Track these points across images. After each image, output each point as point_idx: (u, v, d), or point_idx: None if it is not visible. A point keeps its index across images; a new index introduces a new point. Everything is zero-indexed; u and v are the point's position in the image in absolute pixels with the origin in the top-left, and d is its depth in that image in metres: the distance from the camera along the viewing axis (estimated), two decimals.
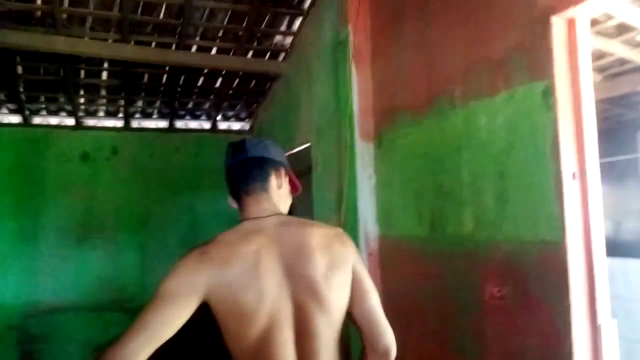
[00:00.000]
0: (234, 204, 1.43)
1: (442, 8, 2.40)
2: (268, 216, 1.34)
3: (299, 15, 3.91)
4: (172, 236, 4.98)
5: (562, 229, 1.76)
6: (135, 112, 5.16)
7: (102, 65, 4.30)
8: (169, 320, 1.14)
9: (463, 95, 2.26)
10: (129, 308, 4.66)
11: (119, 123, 5.13)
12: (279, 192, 1.42)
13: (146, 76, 4.55)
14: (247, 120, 5.60)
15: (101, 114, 5.08)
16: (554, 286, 1.79)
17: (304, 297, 1.25)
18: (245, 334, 1.20)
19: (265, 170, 1.40)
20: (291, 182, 1.51)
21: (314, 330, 1.24)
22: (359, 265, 1.37)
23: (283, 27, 4.12)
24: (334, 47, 3.29)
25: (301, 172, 4.04)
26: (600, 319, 1.78)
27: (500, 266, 2.05)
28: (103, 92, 4.77)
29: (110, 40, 3.86)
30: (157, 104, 5.09)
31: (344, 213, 3.10)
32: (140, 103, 5.03)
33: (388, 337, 1.34)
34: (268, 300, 1.21)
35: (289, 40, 4.23)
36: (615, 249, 4.47)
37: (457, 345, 2.25)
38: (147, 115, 5.25)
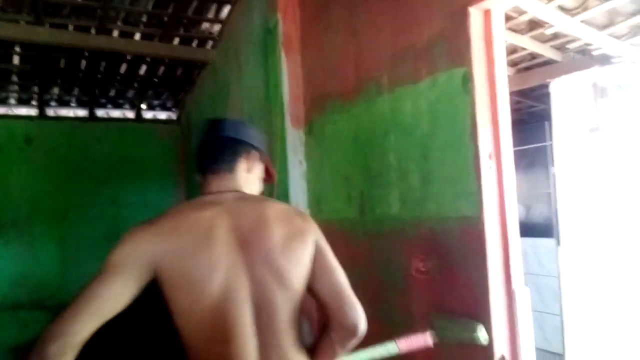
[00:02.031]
0: (199, 179, 1.39)
1: None
2: (227, 191, 1.31)
3: (228, 2, 3.86)
4: (95, 230, 4.75)
5: (479, 204, 1.91)
6: (50, 100, 4.85)
7: (14, 48, 4.00)
8: (115, 294, 1.08)
9: (389, 81, 2.36)
10: (48, 306, 4.41)
11: (33, 111, 4.80)
12: (246, 176, 1.39)
13: (63, 61, 4.29)
14: (174, 109, 5.45)
15: (12, 101, 4.73)
16: (473, 257, 1.94)
17: (260, 269, 1.21)
18: (196, 307, 1.14)
19: (236, 152, 1.37)
20: (267, 170, 1.50)
21: (273, 306, 1.20)
22: (323, 242, 1.37)
23: (211, 15, 4.04)
24: (263, 35, 3.29)
25: None
26: (514, 286, 1.95)
27: (424, 242, 2.18)
28: (15, 78, 4.44)
29: (22, 22, 3.60)
30: (76, 91, 4.82)
31: (276, 199, 3.13)
32: (56, 90, 4.74)
33: (357, 312, 1.34)
34: (220, 271, 1.16)
35: (217, 28, 4.17)
36: (527, 229, 4.87)
37: (386, 319, 2.37)
38: (64, 103, 4.96)
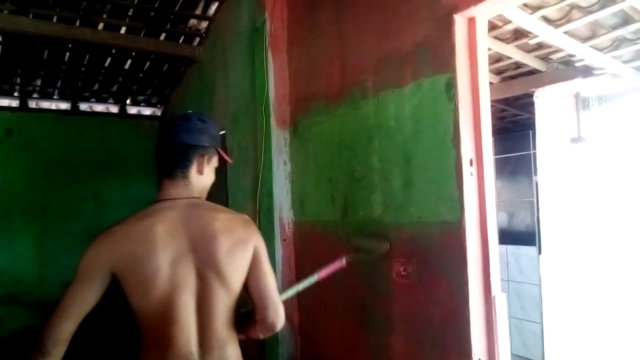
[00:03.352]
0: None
1: (356, 1, 2.50)
2: (182, 198, 1.47)
3: (215, 0, 3.84)
4: (74, 225, 4.67)
5: (460, 210, 1.92)
6: (32, 92, 4.77)
7: None
8: (83, 298, 1.33)
9: (374, 85, 2.37)
10: (26, 301, 4.33)
11: (14, 103, 4.71)
12: (199, 177, 1.52)
13: (46, 53, 4.22)
14: (159, 105, 5.40)
15: None
16: (453, 263, 1.95)
17: (206, 270, 1.42)
18: (148, 297, 1.36)
19: (188, 158, 1.49)
20: (221, 157, 1.61)
21: (213, 299, 1.43)
22: (261, 247, 1.54)
23: (198, 11, 4.02)
24: (250, 34, 3.28)
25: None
26: (493, 291, 1.97)
27: (405, 246, 2.19)
28: None
29: (5, 11, 3.54)
30: (58, 83, 4.74)
31: (259, 199, 3.12)
32: (38, 82, 4.66)
33: (277, 312, 1.54)
34: (168, 269, 1.37)
35: (204, 25, 4.14)
36: (510, 237, 4.92)
37: (366, 323, 2.37)
38: (46, 96, 4.87)
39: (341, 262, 2.21)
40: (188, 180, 1.49)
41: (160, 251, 1.37)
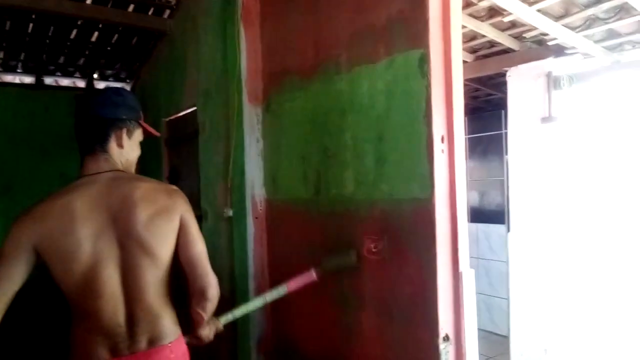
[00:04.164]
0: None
1: None
2: (104, 172, 1.46)
3: None
4: None
5: (431, 186, 1.92)
6: None
7: None
8: (8, 277, 1.34)
9: (348, 61, 2.33)
10: None
11: None
12: (120, 151, 1.52)
13: (8, 24, 4.03)
14: (128, 80, 5.25)
15: None
16: (422, 239, 1.96)
17: (128, 241, 1.42)
18: (70, 271, 1.37)
19: (105, 132, 1.49)
20: (145, 130, 1.61)
21: (139, 270, 1.43)
22: (188, 216, 1.53)
23: None
24: (222, 7, 3.18)
25: (187, 136, 3.91)
26: (461, 268, 1.99)
27: (377, 223, 2.19)
28: None
29: None
30: (22, 56, 4.55)
31: (231, 177, 3.07)
32: (1, 54, 4.46)
33: (206, 279, 1.54)
34: (89, 243, 1.38)
35: None
36: (481, 216, 5.01)
37: (338, 299, 2.38)
38: (9, 69, 4.68)
39: (311, 275, 2.21)
40: (108, 154, 1.49)
41: (80, 226, 1.37)
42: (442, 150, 1.95)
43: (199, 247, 1.55)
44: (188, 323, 1.61)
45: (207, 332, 1.65)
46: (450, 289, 1.98)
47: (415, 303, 2.02)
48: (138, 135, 1.59)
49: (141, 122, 1.60)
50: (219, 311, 1.73)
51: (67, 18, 3.98)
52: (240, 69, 2.94)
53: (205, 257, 1.56)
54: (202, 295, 1.54)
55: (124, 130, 1.52)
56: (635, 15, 2.70)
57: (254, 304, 2.14)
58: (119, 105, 1.52)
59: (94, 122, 1.48)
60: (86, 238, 1.38)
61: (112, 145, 1.50)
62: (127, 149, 1.54)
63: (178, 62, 4.02)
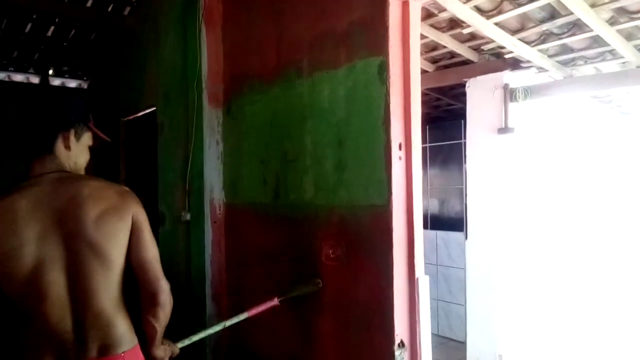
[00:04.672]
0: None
1: None
2: (50, 172, 1.41)
3: None
4: None
5: (388, 193, 1.93)
6: None
7: None
8: None
9: (309, 66, 2.33)
10: None
11: None
12: (67, 153, 1.47)
13: None
14: (85, 78, 5.08)
15: None
16: (380, 245, 1.97)
17: (75, 241, 1.35)
18: (12, 275, 1.31)
19: (52, 133, 1.44)
20: (96, 136, 1.57)
21: (87, 272, 1.37)
22: (141, 217, 1.48)
23: None
24: (184, 6, 3.12)
25: (146, 137, 3.80)
26: (417, 274, 2.01)
27: (335, 229, 2.18)
28: None
29: None
30: None
31: (190, 180, 3.01)
32: None
33: (158, 283, 1.49)
34: (31, 245, 1.32)
35: None
36: (440, 223, 5.09)
37: (296, 304, 2.35)
38: None
39: (273, 302, 2.20)
40: (54, 156, 1.44)
41: (23, 226, 1.32)
42: (400, 157, 1.97)
43: (151, 250, 1.49)
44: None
45: (162, 353, 1.58)
46: (406, 295, 2.00)
47: (371, 309, 2.03)
48: (87, 139, 1.54)
49: (91, 125, 1.55)
50: (175, 319, 1.67)
51: (22, 10, 3.81)
52: (201, 70, 2.90)
53: (157, 261, 1.50)
54: (153, 300, 1.48)
55: (72, 132, 1.48)
56: (587, 32, 2.82)
57: (213, 329, 2.09)
58: (66, 106, 1.48)
59: (41, 122, 1.44)
60: (29, 239, 1.32)
61: (59, 146, 1.45)
62: (75, 152, 1.49)
63: (138, 60, 3.92)
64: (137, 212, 1.47)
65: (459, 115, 4.83)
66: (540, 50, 3.12)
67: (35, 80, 4.85)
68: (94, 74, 4.96)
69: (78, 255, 1.36)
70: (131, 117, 4.09)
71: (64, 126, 1.46)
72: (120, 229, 1.42)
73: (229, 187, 2.92)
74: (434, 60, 3.68)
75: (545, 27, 2.84)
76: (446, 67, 3.71)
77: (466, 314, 3.57)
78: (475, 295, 3.50)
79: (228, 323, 2.12)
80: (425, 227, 2.13)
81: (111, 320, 1.41)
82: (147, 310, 1.50)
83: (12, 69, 4.72)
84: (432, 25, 2.99)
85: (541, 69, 3.39)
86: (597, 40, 3.02)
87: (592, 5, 2.54)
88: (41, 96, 1.47)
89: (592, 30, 2.75)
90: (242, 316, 2.13)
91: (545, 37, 2.99)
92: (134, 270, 1.48)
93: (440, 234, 5.13)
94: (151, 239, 1.50)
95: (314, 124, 2.31)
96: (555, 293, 3.84)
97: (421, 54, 3.14)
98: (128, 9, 4.03)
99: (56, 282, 1.34)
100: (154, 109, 3.62)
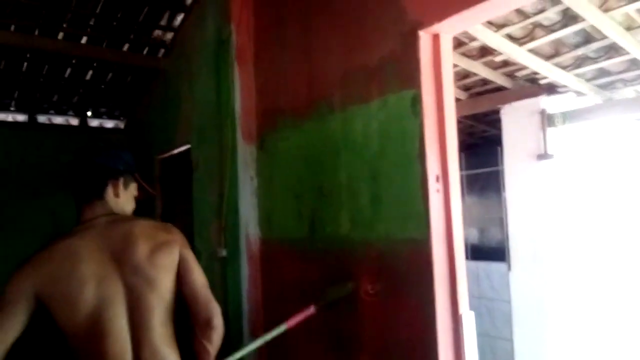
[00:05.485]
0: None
1: (322, 15, 2.47)
2: (100, 216, 1.51)
3: (181, 11, 3.77)
4: (33, 243, 4.32)
5: (427, 226, 1.88)
6: None
7: None
8: (8, 324, 1.34)
9: (341, 100, 2.33)
10: None
11: None
12: (116, 201, 1.57)
13: (3, 63, 4.05)
14: (122, 118, 5.25)
15: None
16: (420, 280, 1.91)
17: (132, 277, 1.44)
18: (75, 314, 1.37)
19: (103, 181, 1.55)
20: (141, 187, 1.68)
21: (145, 306, 1.44)
22: (186, 250, 1.59)
23: (163, 22, 3.93)
24: (216, 46, 3.21)
25: (180, 175, 3.87)
26: (460, 309, 1.93)
27: (373, 264, 2.14)
28: None
29: None
30: (16, 95, 4.55)
31: (225, 216, 3.03)
32: None
33: (209, 309, 1.55)
34: (92, 284, 1.39)
35: (169, 36, 4.05)
36: (481, 253, 4.93)
37: (335, 344, 2.30)
38: (2, 107, 4.67)
39: (310, 311, 2.16)
40: (105, 201, 1.54)
41: (83, 267, 1.39)
42: (437, 190, 1.93)
43: (200, 277, 1.59)
44: None
45: None
46: (450, 332, 1.92)
47: (414, 347, 1.95)
48: (133, 189, 1.65)
49: (137, 176, 1.66)
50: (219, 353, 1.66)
51: (61, 56, 4.00)
52: (234, 107, 2.94)
53: (206, 287, 1.59)
54: (207, 324, 1.54)
55: (121, 180, 1.59)
56: (624, 55, 2.74)
57: (254, 344, 2.07)
58: (115, 157, 1.59)
59: (93, 171, 1.54)
60: (90, 279, 1.39)
61: (109, 193, 1.55)
62: (123, 200, 1.59)
63: (172, 100, 4.03)
64: (182, 244, 1.59)
65: (494, 142, 4.74)
66: (576, 75, 3.05)
67: (74, 122, 5.04)
68: (130, 114, 5.12)
69: (135, 291, 1.43)
70: (166, 155, 4.18)
71: (114, 175, 1.57)
72: (170, 263, 1.52)
73: (264, 222, 2.92)
74: (466, 88, 3.65)
75: (580, 51, 2.78)
76: (479, 94, 3.67)
77: (514, 350, 3.40)
78: (523, 329, 3.35)
79: (268, 337, 2.08)
80: (465, 257, 2.07)
81: (166, 356, 1.47)
82: (201, 335, 1.54)
83: (52, 112, 4.92)
84: (463, 54, 2.97)
85: (579, 93, 3.31)
86: (635, 63, 2.93)
87: (628, 29, 2.48)
88: (94, 148, 1.58)
89: (629, 53, 2.67)
90: (282, 328, 2.10)
91: (580, 62, 2.93)
92: (186, 299, 1.55)
93: (481, 264, 4.95)
94: (198, 267, 1.61)
95: (347, 158, 2.29)
96: (611, 327, 3.63)
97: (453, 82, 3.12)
98: (162, 50, 4.17)
99: (117, 319, 1.41)
100: (188, 146, 3.69)
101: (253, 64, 3.01)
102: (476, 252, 4.98)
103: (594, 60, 2.89)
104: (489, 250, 4.88)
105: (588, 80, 3.20)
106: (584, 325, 3.37)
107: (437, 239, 1.90)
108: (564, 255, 3.24)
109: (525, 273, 3.30)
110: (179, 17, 3.84)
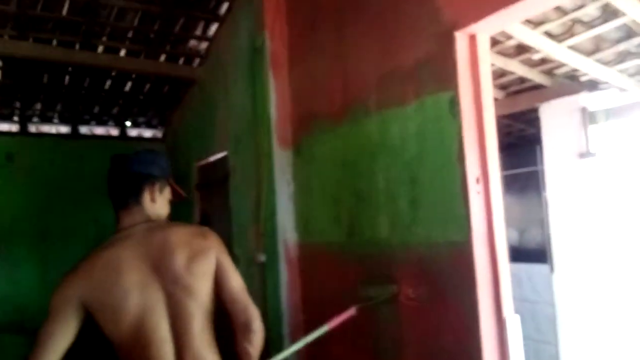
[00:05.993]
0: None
1: (356, 19, 2.47)
2: (139, 224, 1.52)
3: (215, 20, 3.84)
4: (76, 250, 4.56)
5: (468, 229, 1.86)
6: (32, 116, 4.76)
7: None
8: (59, 332, 1.37)
9: (377, 103, 2.33)
10: (29, 329, 4.21)
11: (14, 127, 4.70)
12: (152, 205, 1.58)
13: (46, 77, 4.22)
14: (159, 127, 5.38)
15: None
16: (462, 284, 1.89)
17: (171, 286, 1.45)
18: (120, 323, 1.39)
19: (139, 187, 1.56)
20: (174, 191, 1.69)
21: (186, 313, 1.45)
22: (223, 255, 1.58)
23: (198, 32, 4.02)
24: (250, 53, 3.26)
25: (217, 181, 3.94)
26: (505, 313, 1.90)
27: (414, 267, 2.12)
28: None
29: (5, 37, 3.54)
30: (58, 107, 4.73)
31: (263, 221, 3.06)
32: (38, 106, 4.65)
33: (248, 312, 1.55)
34: (135, 293, 1.41)
35: (204, 45, 4.14)
36: (521, 255, 4.80)
37: (376, 349, 2.29)
38: (46, 120, 4.86)
39: (351, 312, 2.17)
40: (142, 207, 1.55)
41: (125, 276, 1.41)
42: (478, 192, 1.90)
43: (238, 281, 1.59)
44: None
45: None
46: (494, 336, 1.89)
47: (457, 352, 1.93)
48: (167, 193, 1.66)
49: (170, 181, 1.67)
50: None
51: (101, 70, 4.14)
52: (270, 113, 2.98)
53: (244, 291, 1.59)
54: (247, 328, 1.54)
55: (157, 186, 1.60)
56: None
57: (297, 345, 2.08)
58: (151, 163, 1.61)
59: (130, 177, 1.56)
60: (133, 287, 1.42)
61: (146, 198, 1.57)
62: (159, 204, 1.61)
63: (208, 108, 4.11)
64: (219, 249, 1.59)
65: (532, 141, 4.63)
66: (619, 71, 2.96)
67: (114, 132, 5.20)
68: (168, 123, 5.25)
69: (175, 299, 1.45)
70: (204, 162, 4.26)
71: (150, 180, 1.58)
72: (208, 269, 1.53)
73: (301, 227, 2.94)
74: (503, 87, 3.58)
75: (622, 47, 2.69)
76: (516, 92, 3.60)
77: (559, 354, 3.31)
78: (569, 333, 3.25)
79: (310, 338, 2.09)
80: None
81: None
82: (242, 338, 1.55)
83: (93, 123, 5.09)
84: (499, 52, 2.92)
85: (622, 89, 3.20)
86: None
87: None
88: (129, 155, 1.59)
89: None
90: (323, 329, 2.11)
91: (623, 57, 2.83)
92: (225, 304, 1.56)
93: (523, 266, 4.81)
94: (235, 272, 1.60)
95: (385, 161, 2.29)
96: None
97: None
98: (197, 60, 4.26)
99: (160, 326, 1.43)
100: (225, 153, 3.76)
101: (287, 70, 3.04)
102: (515, 254, 4.85)
103: (636, 55, 2.80)
104: (529, 252, 4.75)
105: (631, 75, 3.09)
106: (631, 327, 3.25)
107: (478, 241, 1.88)
108: (610, 256, 3.13)
109: (570, 275, 3.21)
110: (213, 27, 3.92)
